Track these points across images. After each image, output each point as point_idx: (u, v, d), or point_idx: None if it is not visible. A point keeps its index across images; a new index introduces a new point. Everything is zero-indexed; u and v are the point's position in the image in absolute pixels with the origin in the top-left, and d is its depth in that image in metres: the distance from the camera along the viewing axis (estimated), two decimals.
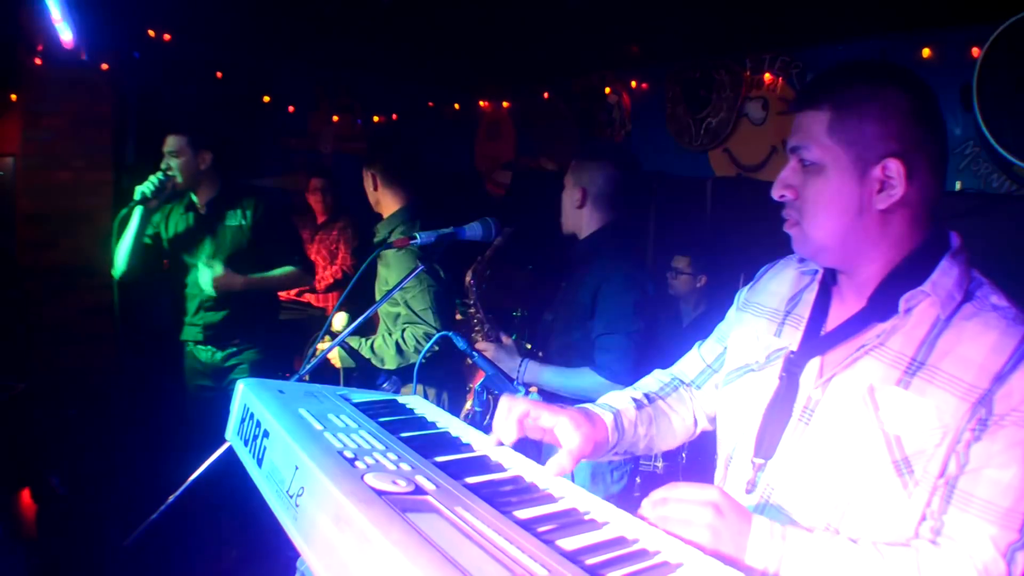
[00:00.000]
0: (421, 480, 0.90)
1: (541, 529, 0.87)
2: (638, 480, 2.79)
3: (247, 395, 1.20)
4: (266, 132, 5.40)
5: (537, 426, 1.17)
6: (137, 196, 2.94)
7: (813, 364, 1.14)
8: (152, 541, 1.67)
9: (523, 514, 0.91)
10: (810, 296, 1.23)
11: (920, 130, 1.06)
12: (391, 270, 2.71)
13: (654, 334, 2.25)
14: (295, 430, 1.01)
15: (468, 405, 2.34)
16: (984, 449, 0.98)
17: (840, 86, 1.09)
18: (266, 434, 1.06)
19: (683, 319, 3.78)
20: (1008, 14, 2.92)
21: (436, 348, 2.60)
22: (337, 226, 4.94)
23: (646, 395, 1.40)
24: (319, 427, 1.05)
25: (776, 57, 4.11)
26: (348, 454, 0.95)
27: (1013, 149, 2.99)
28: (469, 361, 1.75)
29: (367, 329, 3.04)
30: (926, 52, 3.43)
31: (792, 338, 1.20)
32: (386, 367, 2.64)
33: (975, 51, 3.12)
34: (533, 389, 2.22)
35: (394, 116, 5.82)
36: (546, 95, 5.41)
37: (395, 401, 1.41)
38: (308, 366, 1.77)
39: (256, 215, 3.13)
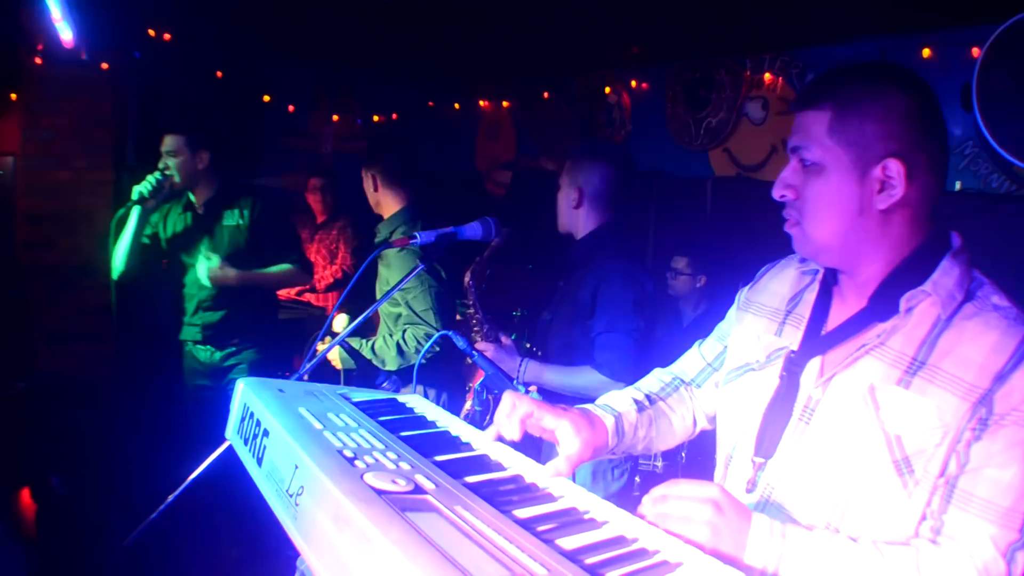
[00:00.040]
0: (421, 479, 0.90)
1: (541, 528, 0.87)
2: (637, 479, 2.79)
3: (247, 394, 1.20)
4: (266, 132, 5.40)
5: (539, 426, 1.17)
6: (135, 196, 2.94)
7: (814, 364, 1.14)
8: (152, 541, 1.66)
9: (523, 513, 0.91)
10: (811, 296, 1.23)
11: (921, 130, 1.06)
12: (392, 270, 2.71)
13: (653, 332, 2.25)
14: (295, 429, 1.01)
15: (468, 405, 2.34)
16: (984, 449, 0.98)
17: (841, 86, 1.09)
18: (266, 433, 1.06)
19: (683, 319, 3.79)
20: (1008, 14, 2.92)
21: (437, 349, 2.60)
22: (337, 226, 4.94)
23: (647, 396, 1.40)
24: (319, 426, 1.05)
25: (776, 57, 4.11)
26: (348, 453, 0.95)
27: (1013, 149, 2.99)
28: (469, 361, 1.75)
29: (368, 330, 3.04)
30: (926, 52, 3.43)
31: (793, 337, 1.20)
32: (387, 368, 2.64)
33: (975, 51, 3.12)
34: (533, 388, 2.22)
35: (394, 116, 5.82)
36: (546, 95, 5.41)
37: (395, 400, 1.41)
38: (308, 366, 1.77)
39: (253, 214, 3.13)
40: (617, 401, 1.35)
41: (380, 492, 0.83)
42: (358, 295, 2.15)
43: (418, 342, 2.60)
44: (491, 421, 1.19)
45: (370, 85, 5.73)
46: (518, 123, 5.83)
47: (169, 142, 3.02)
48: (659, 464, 3.07)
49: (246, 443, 1.12)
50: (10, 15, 4.15)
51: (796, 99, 1.13)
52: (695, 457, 3.04)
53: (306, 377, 1.68)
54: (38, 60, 4.34)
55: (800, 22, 3.56)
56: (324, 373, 2.70)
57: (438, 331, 2.48)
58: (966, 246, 1.11)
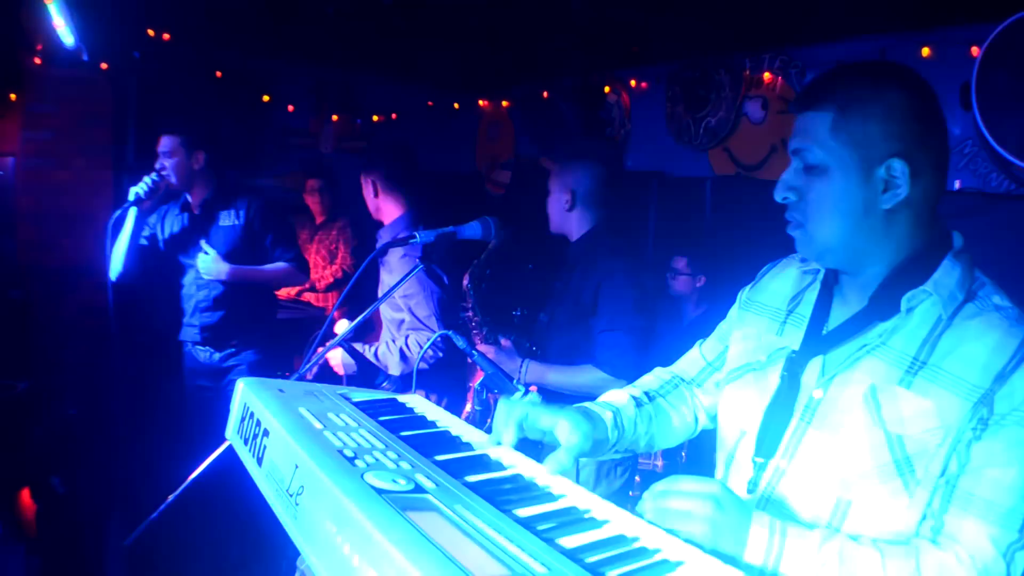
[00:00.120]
0: (421, 479, 0.90)
1: (541, 527, 0.87)
2: (637, 479, 2.79)
3: (247, 394, 1.20)
4: (266, 132, 5.40)
5: (536, 426, 1.17)
6: (131, 197, 2.94)
7: (815, 363, 1.14)
8: (152, 541, 1.67)
9: (523, 512, 0.91)
10: (812, 295, 1.23)
11: (923, 129, 1.06)
12: (394, 276, 2.70)
13: (655, 330, 2.26)
14: (295, 429, 1.01)
15: (468, 407, 2.34)
16: (985, 449, 0.98)
17: (842, 86, 1.08)
18: (266, 433, 1.05)
19: (684, 319, 3.79)
20: (1007, 13, 2.92)
21: (440, 354, 2.60)
22: (336, 225, 4.94)
23: (646, 393, 1.40)
24: (319, 426, 1.05)
25: (776, 56, 4.11)
26: (348, 453, 0.95)
27: (1012, 148, 2.99)
28: (469, 360, 1.75)
29: (369, 334, 3.04)
30: (925, 51, 3.42)
31: (794, 337, 1.20)
32: (390, 373, 2.64)
33: (974, 50, 3.12)
34: (533, 389, 2.22)
35: (394, 116, 5.82)
36: (546, 94, 5.41)
37: (395, 400, 1.41)
38: (307, 365, 1.77)
39: (249, 214, 3.12)
40: (615, 397, 1.36)
41: (380, 491, 0.83)
42: (359, 300, 2.15)
43: (421, 348, 2.60)
44: (492, 421, 1.19)
45: (370, 85, 5.73)
46: (517, 123, 5.83)
47: (165, 143, 3.02)
48: (659, 463, 3.07)
49: (246, 443, 1.12)
50: (10, 15, 4.14)
51: (796, 100, 1.13)
52: (695, 456, 3.04)
53: (309, 376, 1.68)
54: (38, 60, 4.34)
55: (799, 21, 3.56)
56: (324, 372, 2.70)
57: (438, 332, 2.48)
58: (967, 246, 1.11)
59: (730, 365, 1.32)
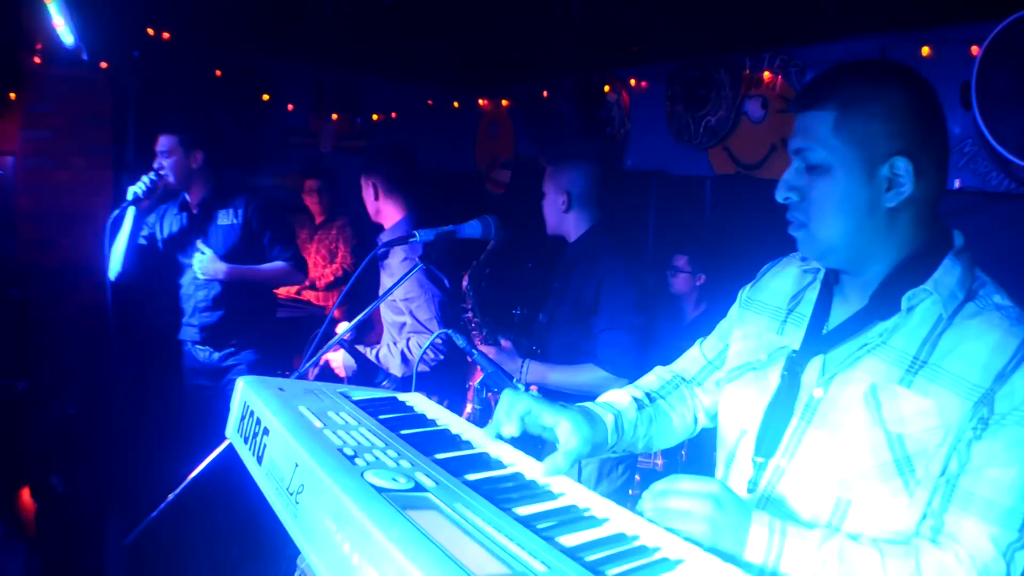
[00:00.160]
0: (421, 477, 0.90)
1: (541, 526, 0.87)
2: (637, 477, 2.79)
3: (247, 392, 1.20)
4: (266, 131, 5.40)
5: (538, 423, 1.17)
6: (129, 197, 2.94)
7: (815, 362, 1.14)
8: (152, 541, 1.66)
9: (523, 511, 0.91)
10: (812, 294, 1.23)
11: (925, 127, 1.06)
12: (395, 280, 2.70)
13: (655, 328, 2.26)
14: (295, 427, 1.01)
15: (468, 408, 2.34)
16: (985, 448, 0.98)
17: (844, 85, 1.08)
18: (266, 431, 1.05)
19: (684, 317, 3.79)
20: (1008, 12, 2.92)
21: (441, 356, 2.60)
22: (336, 225, 4.94)
23: (647, 394, 1.40)
24: (319, 424, 1.05)
25: (775, 55, 4.11)
26: (348, 451, 0.95)
27: (1012, 147, 2.99)
28: (469, 360, 1.75)
29: (369, 334, 3.04)
30: (925, 50, 3.42)
31: (794, 336, 1.20)
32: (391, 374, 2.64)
33: (974, 49, 3.12)
34: (533, 388, 2.22)
35: (393, 115, 5.82)
36: (545, 93, 5.40)
37: (395, 398, 1.41)
38: (307, 365, 1.77)
39: (247, 213, 3.13)
40: (617, 399, 1.35)
41: (380, 490, 0.83)
42: (359, 300, 2.15)
43: (422, 349, 2.60)
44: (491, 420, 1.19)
45: (370, 84, 5.72)
46: (517, 122, 5.82)
47: (163, 142, 3.02)
48: (659, 462, 3.07)
49: (246, 442, 1.12)
50: (10, 15, 4.14)
51: (796, 100, 1.12)
52: (695, 456, 3.04)
53: (310, 376, 1.68)
54: (38, 60, 4.34)
55: (799, 20, 3.56)
56: (326, 378, 2.70)
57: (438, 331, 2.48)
58: (968, 245, 1.11)
59: (730, 364, 1.32)
